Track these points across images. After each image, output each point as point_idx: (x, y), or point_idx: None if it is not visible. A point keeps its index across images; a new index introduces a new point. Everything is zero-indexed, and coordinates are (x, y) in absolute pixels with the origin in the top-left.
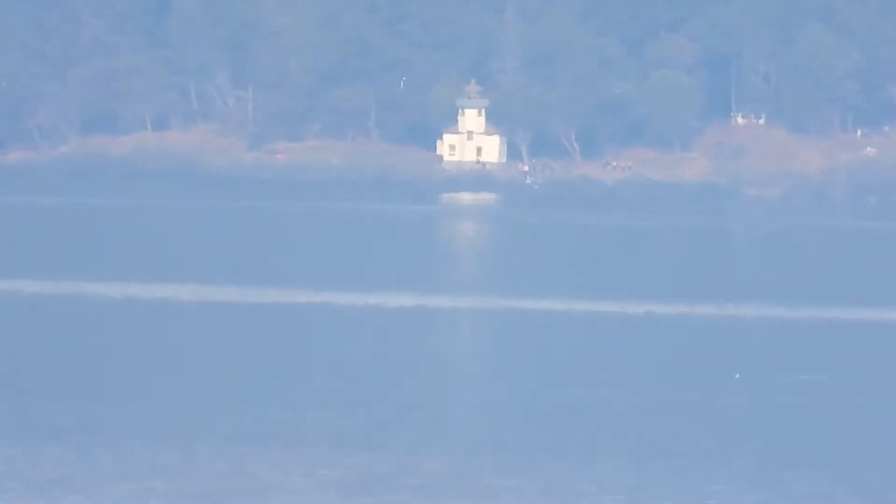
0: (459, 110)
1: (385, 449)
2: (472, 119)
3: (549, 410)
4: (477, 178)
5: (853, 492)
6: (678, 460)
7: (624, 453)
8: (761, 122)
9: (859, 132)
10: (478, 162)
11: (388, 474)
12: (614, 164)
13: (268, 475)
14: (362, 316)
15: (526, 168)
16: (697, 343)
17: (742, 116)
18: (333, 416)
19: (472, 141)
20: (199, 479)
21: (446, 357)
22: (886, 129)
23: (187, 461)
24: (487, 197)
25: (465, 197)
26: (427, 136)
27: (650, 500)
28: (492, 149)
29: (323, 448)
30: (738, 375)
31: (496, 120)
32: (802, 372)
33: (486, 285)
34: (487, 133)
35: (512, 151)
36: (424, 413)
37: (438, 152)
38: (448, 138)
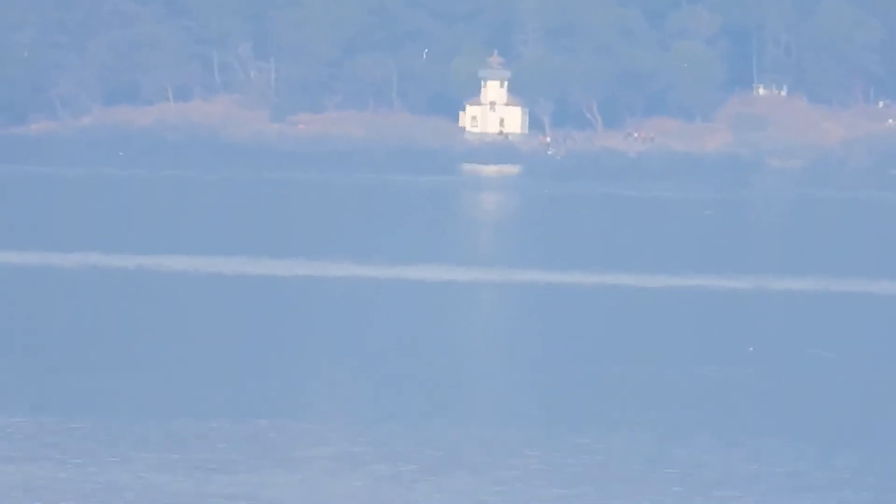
0: (482, 82)
1: (405, 422)
2: (494, 90)
3: (571, 384)
4: (499, 149)
5: (862, 464)
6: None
7: (648, 424)
8: (783, 93)
9: (881, 103)
10: (500, 133)
11: (407, 446)
12: (636, 135)
13: (286, 448)
14: (383, 288)
15: (548, 139)
16: (717, 315)
17: (763, 87)
18: (352, 389)
19: (494, 112)
20: (217, 450)
21: (467, 330)
22: None
23: (207, 433)
24: (509, 168)
25: (488, 168)
26: (449, 107)
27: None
28: (514, 120)
29: (342, 421)
30: (751, 348)
31: (518, 91)
32: (820, 346)
33: (507, 258)
34: (510, 104)
35: (534, 123)
36: (446, 386)
37: (461, 123)
38: (470, 110)
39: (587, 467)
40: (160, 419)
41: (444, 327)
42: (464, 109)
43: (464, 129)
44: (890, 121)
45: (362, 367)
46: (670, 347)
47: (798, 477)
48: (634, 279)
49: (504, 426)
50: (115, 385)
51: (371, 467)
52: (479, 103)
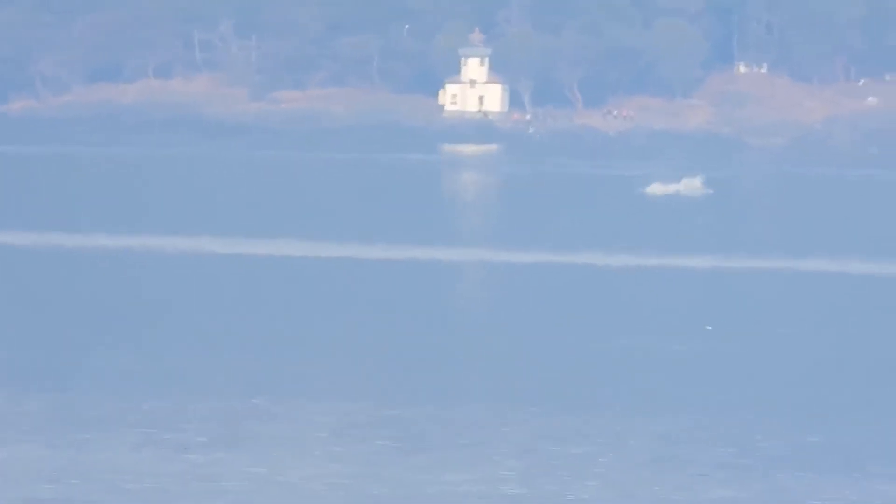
0: (462, 59)
1: (388, 401)
2: (474, 68)
3: (542, 361)
4: (479, 127)
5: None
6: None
7: (616, 400)
8: (764, 70)
9: (862, 81)
10: (479, 111)
11: (382, 427)
12: (615, 112)
13: (267, 426)
14: (362, 268)
15: (528, 118)
16: (688, 294)
17: (745, 65)
18: (330, 369)
19: (474, 90)
20: (198, 430)
21: (446, 309)
22: (888, 77)
23: (187, 412)
24: (489, 147)
25: (467, 147)
26: (430, 85)
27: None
28: (494, 98)
29: (318, 401)
30: (709, 327)
31: (499, 69)
32: (786, 325)
33: (486, 237)
34: (490, 82)
35: (514, 101)
36: (429, 364)
37: (440, 101)
38: (450, 88)
39: (552, 446)
40: (133, 398)
41: (423, 307)
42: (443, 87)
43: (443, 107)
44: (871, 98)
45: (338, 347)
46: (636, 325)
47: (757, 455)
48: (610, 258)
49: (475, 405)
50: (92, 363)
51: (344, 448)
52: (459, 81)
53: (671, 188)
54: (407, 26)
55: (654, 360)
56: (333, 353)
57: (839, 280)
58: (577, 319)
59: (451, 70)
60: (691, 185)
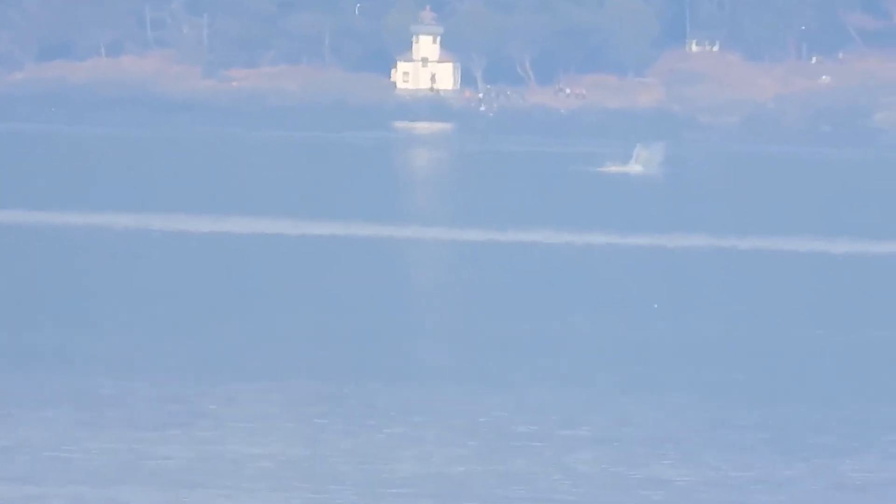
0: (414, 37)
1: (337, 378)
2: (426, 46)
3: (490, 339)
4: (431, 105)
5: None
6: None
7: (557, 378)
8: (715, 49)
9: (814, 59)
10: (432, 89)
11: (341, 402)
12: (568, 90)
13: (216, 404)
14: (314, 245)
15: (480, 95)
16: (638, 272)
17: (696, 43)
18: (282, 345)
19: (426, 68)
20: (146, 410)
21: (397, 286)
22: (841, 55)
23: (134, 390)
24: (441, 125)
25: (419, 125)
26: (382, 63)
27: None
28: (446, 76)
29: (274, 378)
30: (655, 305)
31: (452, 47)
32: (734, 303)
33: (437, 214)
34: (442, 60)
35: (466, 79)
36: (377, 342)
37: (392, 79)
38: (402, 66)
39: (499, 423)
40: (80, 377)
41: (373, 284)
42: (395, 65)
43: (395, 85)
44: (823, 77)
45: (286, 324)
46: (584, 302)
47: (707, 433)
48: (559, 237)
49: (423, 382)
50: (44, 341)
51: (294, 425)
52: (410, 59)
53: (624, 167)
54: (358, 5)
55: (600, 337)
56: (282, 331)
57: (787, 258)
58: (526, 297)
59: (403, 48)
60: (648, 159)
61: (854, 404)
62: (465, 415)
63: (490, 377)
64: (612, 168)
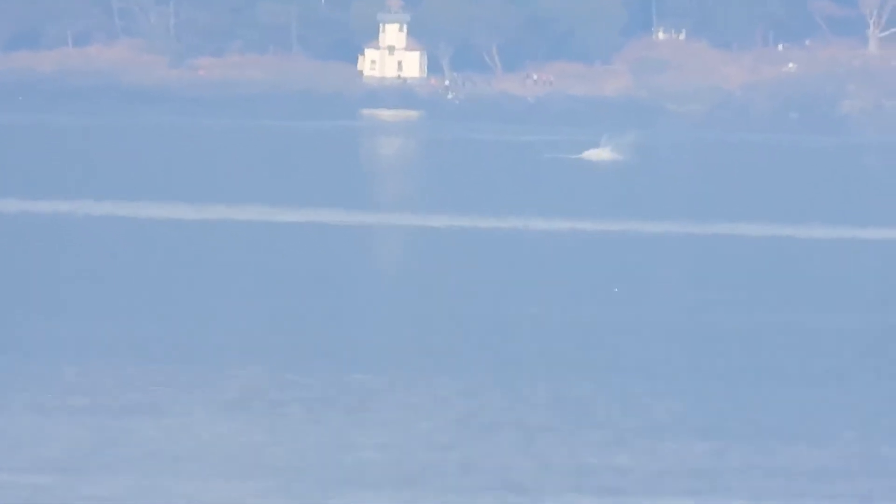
0: (381, 25)
1: (295, 366)
2: (393, 34)
3: (451, 325)
4: (398, 93)
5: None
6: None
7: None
8: (682, 37)
9: (781, 46)
10: (399, 77)
11: (299, 390)
12: (535, 77)
13: (175, 392)
14: (284, 232)
15: (447, 83)
16: (600, 258)
17: (663, 31)
18: (251, 332)
19: (392, 56)
20: (108, 396)
21: (360, 272)
22: (808, 42)
23: (94, 377)
24: (408, 113)
25: (386, 113)
26: (349, 51)
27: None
28: (412, 64)
29: (233, 365)
30: (616, 290)
31: (418, 35)
32: (697, 288)
33: (399, 201)
34: (409, 48)
35: (433, 66)
36: (338, 329)
37: (359, 68)
38: (369, 53)
39: (463, 411)
40: (42, 363)
41: (342, 270)
42: (363, 53)
43: (362, 73)
44: (790, 64)
45: (247, 311)
46: (546, 288)
47: (668, 420)
48: (524, 223)
49: (382, 369)
50: (6, 327)
51: (252, 413)
52: (377, 47)
53: (592, 154)
54: None
55: (561, 322)
56: (249, 317)
57: (751, 244)
58: (489, 283)
59: (370, 36)
60: (616, 147)
61: (823, 388)
62: (427, 402)
63: (454, 364)
64: (579, 155)
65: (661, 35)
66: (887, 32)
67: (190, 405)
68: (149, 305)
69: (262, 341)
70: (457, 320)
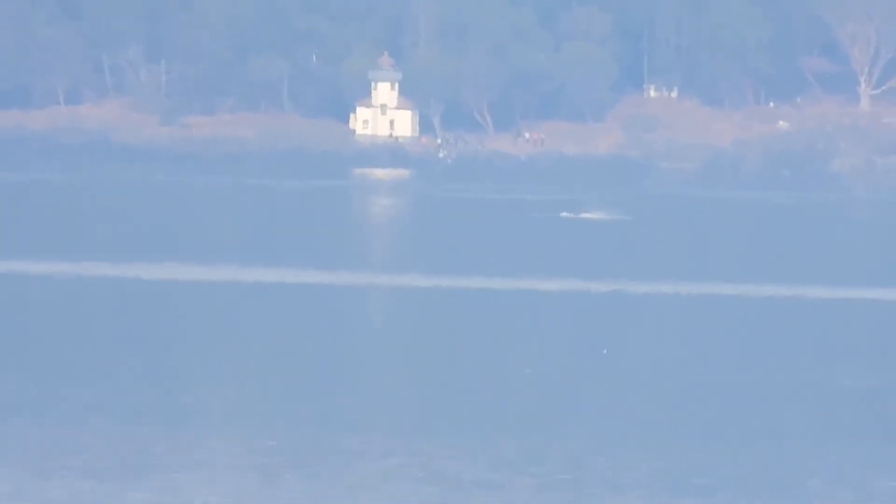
0: (372, 83)
1: (296, 427)
2: (385, 92)
3: (442, 386)
4: (390, 152)
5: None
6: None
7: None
8: (673, 94)
9: (772, 104)
10: (391, 136)
11: (296, 452)
12: (527, 135)
13: (171, 454)
14: (273, 292)
15: (438, 142)
16: (597, 318)
17: (654, 89)
18: (242, 394)
19: (385, 115)
20: (101, 458)
21: (360, 333)
22: (798, 100)
23: (88, 440)
24: (400, 172)
25: (378, 172)
26: (341, 109)
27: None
28: (405, 123)
29: (227, 426)
30: (605, 351)
31: (409, 93)
32: (685, 348)
33: (396, 261)
34: (401, 107)
35: (425, 125)
36: (339, 389)
37: (351, 126)
38: (361, 112)
39: (454, 471)
40: (39, 424)
41: (331, 330)
42: (354, 112)
43: (354, 131)
44: (781, 122)
45: (239, 373)
46: (536, 348)
47: (664, 476)
48: (514, 283)
49: (375, 432)
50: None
51: (248, 475)
52: (369, 105)
53: (584, 213)
54: (316, 51)
55: (550, 383)
56: (239, 379)
57: (741, 303)
58: (477, 343)
59: (361, 94)
60: (605, 206)
61: (812, 446)
62: (420, 462)
63: (445, 424)
64: (570, 214)
65: (652, 92)
66: (879, 90)
67: (182, 467)
68: (135, 366)
69: (254, 402)
70: (443, 380)
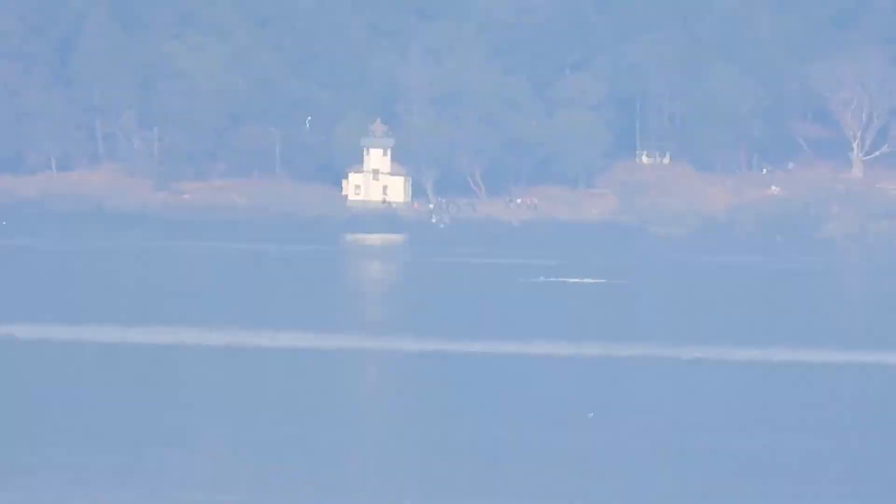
0: (365, 150)
1: (288, 492)
2: (377, 158)
3: (430, 451)
4: (382, 217)
5: None
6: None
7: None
8: (666, 160)
9: (765, 170)
10: (383, 202)
11: None
12: (519, 200)
13: None
14: (264, 356)
15: (431, 207)
16: (581, 382)
17: (647, 155)
18: (238, 461)
19: (377, 181)
20: None
21: (350, 397)
22: (791, 166)
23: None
24: (393, 237)
25: (371, 237)
26: (333, 175)
27: None
28: (397, 188)
29: (208, 491)
30: (591, 415)
31: (402, 159)
32: (671, 414)
33: (378, 325)
34: (393, 173)
35: (417, 191)
36: (323, 454)
37: (344, 192)
38: (353, 178)
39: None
40: (32, 488)
41: (322, 394)
42: (346, 177)
43: (346, 197)
44: (773, 187)
45: (225, 439)
46: (522, 413)
47: None
48: (503, 347)
49: (373, 496)
50: None
51: None
52: (362, 171)
53: (575, 278)
54: (309, 117)
55: (535, 448)
56: (235, 445)
57: (731, 368)
58: (465, 408)
59: (354, 160)
60: (595, 271)
61: None
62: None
63: (432, 489)
64: (562, 279)
65: (645, 158)
66: (871, 156)
67: None
68: (128, 432)
69: (252, 467)
70: (437, 445)
